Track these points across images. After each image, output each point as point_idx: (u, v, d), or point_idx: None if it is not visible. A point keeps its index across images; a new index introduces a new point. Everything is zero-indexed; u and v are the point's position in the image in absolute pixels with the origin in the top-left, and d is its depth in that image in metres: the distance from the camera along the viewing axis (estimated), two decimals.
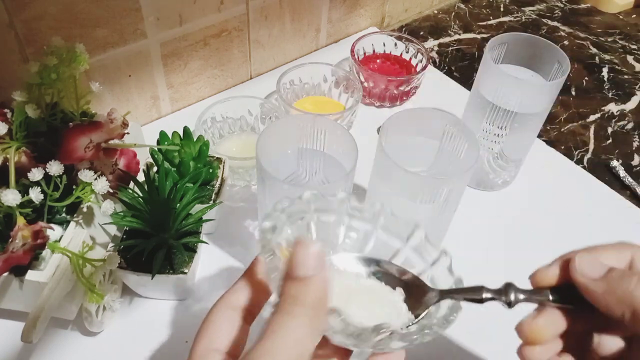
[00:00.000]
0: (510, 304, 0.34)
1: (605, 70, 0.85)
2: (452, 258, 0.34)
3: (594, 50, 0.89)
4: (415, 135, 0.50)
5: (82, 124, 0.45)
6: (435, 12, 0.95)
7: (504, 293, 0.34)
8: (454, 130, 0.48)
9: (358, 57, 0.75)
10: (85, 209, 0.48)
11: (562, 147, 0.72)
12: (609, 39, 0.92)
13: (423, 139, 0.50)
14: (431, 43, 0.88)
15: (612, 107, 0.78)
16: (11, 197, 0.41)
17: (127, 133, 0.46)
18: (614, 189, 0.66)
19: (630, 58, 0.88)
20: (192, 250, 0.49)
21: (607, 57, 0.87)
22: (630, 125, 0.76)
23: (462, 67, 0.83)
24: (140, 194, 0.46)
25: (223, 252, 0.56)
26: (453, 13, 0.95)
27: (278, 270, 0.27)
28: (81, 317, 0.47)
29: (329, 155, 0.50)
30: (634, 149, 0.72)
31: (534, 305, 0.34)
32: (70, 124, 0.47)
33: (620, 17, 0.98)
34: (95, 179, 0.44)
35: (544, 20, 0.95)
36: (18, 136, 0.45)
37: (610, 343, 0.31)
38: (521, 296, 0.33)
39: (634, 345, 0.31)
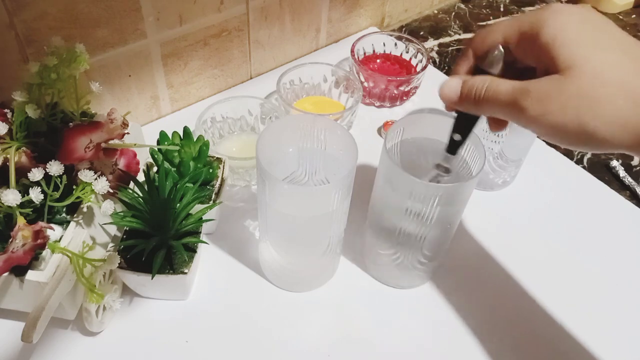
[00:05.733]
0: (445, 170, 0.44)
1: None
2: None
3: None
4: (420, 139, 0.50)
5: (82, 124, 0.45)
6: (435, 12, 0.95)
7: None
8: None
9: (358, 57, 0.75)
10: (85, 209, 0.48)
11: (562, 147, 0.72)
12: None
13: (427, 143, 0.50)
14: (431, 43, 0.88)
15: None
16: (11, 197, 0.41)
17: (127, 133, 0.46)
18: (614, 189, 0.66)
19: None
20: (192, 250, 0.49)
21: None
22: None
23: None
24: (140, 194, 0.46)
25: (223, 252, 0.56)
26: (453, 13, 0.95)
27: None
28: (81, 317, 0.47)
29: (329, 155, 0.50)
30: None
31: None
32: (70, 124, 0.47)
33: (620, 17, 0.98)
34: (95, 179, 0.44)
35: None
36: (18, 136, 0.45)
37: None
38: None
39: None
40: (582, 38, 0.33)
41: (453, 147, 0.43)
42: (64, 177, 0.44)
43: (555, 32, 0.34)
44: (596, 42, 0.33)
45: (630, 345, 0.52)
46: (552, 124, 0.33)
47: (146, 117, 0.68)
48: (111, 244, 0.52)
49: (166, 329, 0.50)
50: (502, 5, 0.97)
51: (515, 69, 0.39)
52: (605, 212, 0.64)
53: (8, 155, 0.43)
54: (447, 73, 0.81)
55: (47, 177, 0.43)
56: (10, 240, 0.41)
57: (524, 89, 0.34)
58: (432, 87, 0.76)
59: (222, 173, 0.55)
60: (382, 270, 0.54)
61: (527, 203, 0.64)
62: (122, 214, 0.47)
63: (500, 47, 0.37)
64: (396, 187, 0.45)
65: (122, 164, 0.49)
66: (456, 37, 0.90)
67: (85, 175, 0.44)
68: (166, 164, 0.52)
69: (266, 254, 0.53)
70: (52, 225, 0.45)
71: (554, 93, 0.33)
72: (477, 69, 0.39)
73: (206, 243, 0.52)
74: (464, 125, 0.41)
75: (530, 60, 0.37)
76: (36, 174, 0.42)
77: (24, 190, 0.42)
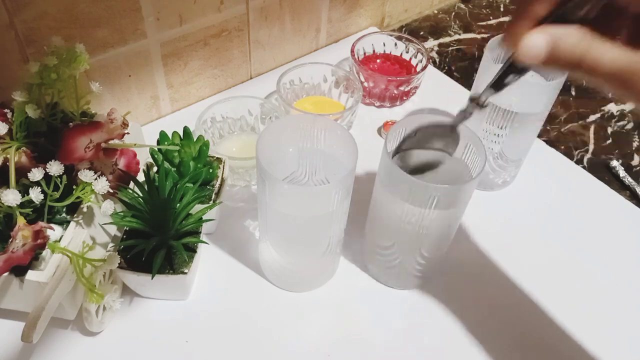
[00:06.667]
0: (480, 104, 0.40)
1: None
2: None
3: None
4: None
5: (82, 124, 0.45)
6: (435, 12, 0.95)
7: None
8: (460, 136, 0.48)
9: (358, 57, 0.75)
10: (85, 209, 0.48)
11: (562, 147, 0.72)
12: None
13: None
14: (431, 43, 0.88)
15: (612, 107, 0.78)
16: (11, 197, 0.41)
17: (127, 133, 0.46)
18: (614, 189, 0.66)
19: None
20: (192, 250, 0.49)
21: None
22: (630, 125, 0.76)
23: (462, 67, 0.83)
24: (140, 194, 0.46)
25: (223, 252, 0.56)
26: (453, 13, 0.95)
27: None
28: (81, 317, 0.47)
29: (329, 155, 0.50)
30: (633, 149, 0.72)
31: None
32: (70, 124, 0.47)
33: None
34: (95, 179, 0.44)
35: None
36: (18, 136, 0.45)
37: None
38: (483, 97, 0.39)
39: None
40: None
41: (501, 85, 0.37)
42: (64, 177, 0.44)
43: None
44: None
45: (630, 345, 0.52)
46: None
47: (146, 117, 0.68)
48: (111, 244, 0.52)
49: (166, 329, 0.50)
50: (502, 5, 0.97)
51: (605, 13, 0.30)
52: (605, 212, 0.64)
53: (8, 155, 0.43)
54: (447, 73, 0.81)
55: (47, 177, 0.43)
56: (10, 240, 0.41)
57: (636, 64, 0.27)
58: (432, 87, 0.77)
59: (222, 173, 0.55)
60: (382, 270, 0.54)
61: (527, 203, 0.64)
62: (122, 214, 0.47)
63: None
64: (396, 187, 0.45)
65: (122, 164, 0.49)
66: (456, 37, 0.90)
67: (85, 175, 0.44)
68: (166, 164, 0.52)
69: (266, 254, 0.53)
70: (52, 225, 0.45)
71: None
72: (557, 13, 0.30)
73: (206, 243, 0.52)
74: (524, 68, 0.35)
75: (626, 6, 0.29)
76: (36, 174, 0.42)
77: (24, 190, 0.42)
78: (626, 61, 0.27)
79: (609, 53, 0.27)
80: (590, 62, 0.28)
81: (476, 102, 0.40)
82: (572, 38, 0.28)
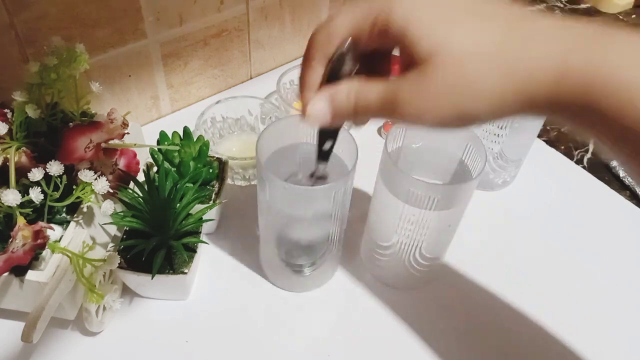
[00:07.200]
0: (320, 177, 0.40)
1: None
2: None
3: None
4: (421, 141, 0.50)
5: (82, 124, 0.45)
6: None
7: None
8: (460, 137, 0.48)
9: None
10: (85, 209, 0.48)
11: (562, 147, 0.72)
12: None
13: (428, 145, 0.50)
14: None
15: None
16: (11, 197, 0.41)
17: (127, 133, 0.46)
18: (614, 189, 0.66)
19: None
20: (192, 250, 0.49)
21: None
22: None
23: None
24: (140, 194, 0.46)
25: (223, 252, 0.56)
26: None
27: None
28: (81, 317, 0.47)
29: None
30: None
31: None
32: (70, 124, 0.47)
33: (620, 17, 0.98)
34: (95, 179, 0.44)
35: None
36: (18, 136, 0.45)
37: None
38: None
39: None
40: (436, 15, 0.28)
41: (325, 155, 0.39)
42: (64, 177, 0.44)
43: (405, 14, 0.29)
44: (453, 14, 0.28)
45: (630, 345, 0.52)
46: (434, 121, 0.29)
47: (146, 117, 0.68)
48: (111, 244, 0.52)
49: (166, 329, 0.50)
50: None
51: (381, 54, 0.33)
52: (605, 212, 0.64)
53: (8, 155, 0.43)
54: None
55: (47, 177, 0.43)
56: (10, 240, 0.41)
57: (393, 93, 0.30)
58: None
59: (222, 173, 0.55)
60: (382, 270, 0.54)
61: (527, 203, 0.64)
62: (122, 214, 0.47)
63: (348, 43, 0.32)
64: (396, 187, 0.45)
65: (122, 164, 0.49)
66: None
67: (85, 175, 0.44)
68: (166, 164, 0.52)
69: (266, 254, 0.53)
70: (52, 225, 0.45)
71: (424, 90, 0.29)
72: (331, 72, 0.33)
73: (206, 243, 0.52)
74: (332, 131, 0.37)
75: (391, 48, 0.32)
76: (36, 174, 0.42)
77: (24, 190, 0.42)
78: (387, 90, 0.30)
79: (371, 93, 0.30)
80: (362, 103, 0.31)
81: (316, 177, 0.41)
82: (343, 89, 0.31)
